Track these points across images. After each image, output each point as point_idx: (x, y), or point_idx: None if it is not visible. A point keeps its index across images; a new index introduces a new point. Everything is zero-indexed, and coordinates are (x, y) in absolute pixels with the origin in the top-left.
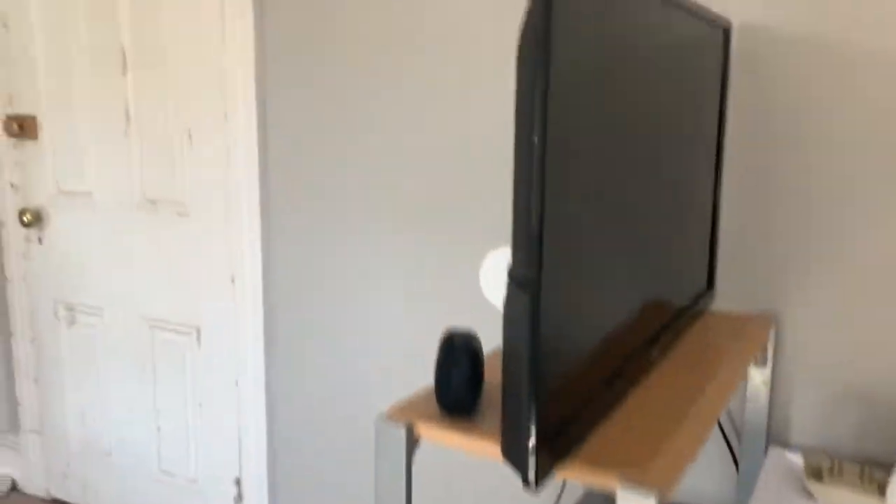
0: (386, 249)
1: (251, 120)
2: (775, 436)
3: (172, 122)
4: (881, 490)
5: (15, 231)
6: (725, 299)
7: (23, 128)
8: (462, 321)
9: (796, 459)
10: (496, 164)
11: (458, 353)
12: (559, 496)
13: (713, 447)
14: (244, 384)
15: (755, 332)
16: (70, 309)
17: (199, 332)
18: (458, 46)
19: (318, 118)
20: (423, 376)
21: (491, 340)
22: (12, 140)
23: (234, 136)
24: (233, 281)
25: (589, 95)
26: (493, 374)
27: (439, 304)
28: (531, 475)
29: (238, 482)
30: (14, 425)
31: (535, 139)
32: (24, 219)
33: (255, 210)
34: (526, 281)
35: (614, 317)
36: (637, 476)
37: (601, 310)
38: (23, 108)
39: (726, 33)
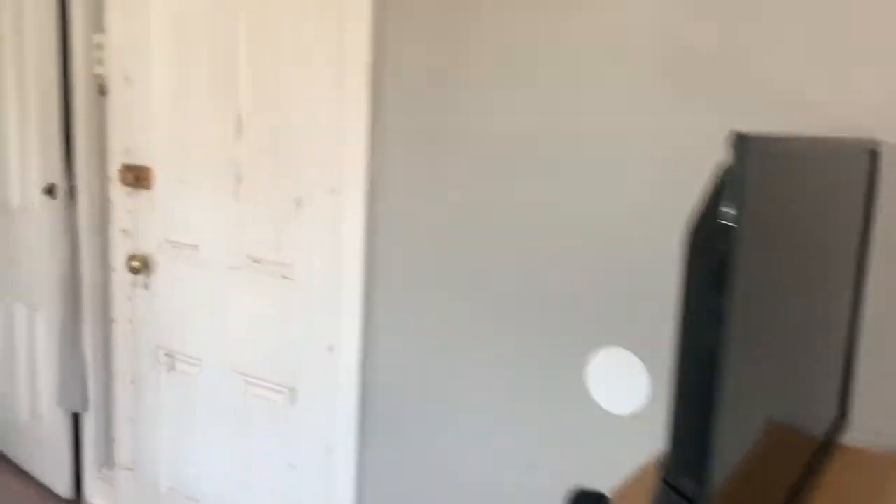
0: (492, 346)
1: (360, 196)
2: None
3: (282, 190)
4: None
5: (122, 275)
6: (855, 430)
7: (138, 178)
8: (572, 424)
9: None
10: (612, 265)
11: None
12: None
13: None
14: (337, 455)
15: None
16: (170, 355)
17: (293, 392)
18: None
19: (429, 202)
20: (529, 487)
21: (605, 446)
22: (126, 189)
23: (343, 210)
24: (331, 350)
25: (762, 283)
26: None
27: (547, 407)
28: None
29: None
30: (109, 460)
31: (710, 380)
32: (133, 265)
33: (357, 286)
34: (691, 494)
35: (764, 486)
36: None
37: (752, 483)
38: (139, 160)
39: (874, 155)
